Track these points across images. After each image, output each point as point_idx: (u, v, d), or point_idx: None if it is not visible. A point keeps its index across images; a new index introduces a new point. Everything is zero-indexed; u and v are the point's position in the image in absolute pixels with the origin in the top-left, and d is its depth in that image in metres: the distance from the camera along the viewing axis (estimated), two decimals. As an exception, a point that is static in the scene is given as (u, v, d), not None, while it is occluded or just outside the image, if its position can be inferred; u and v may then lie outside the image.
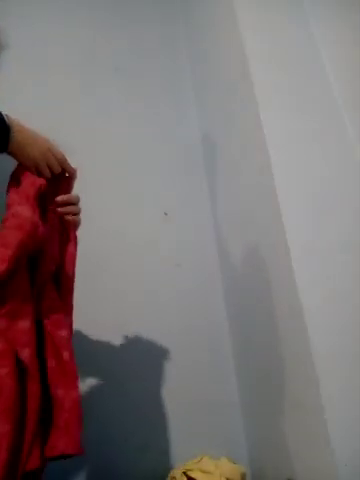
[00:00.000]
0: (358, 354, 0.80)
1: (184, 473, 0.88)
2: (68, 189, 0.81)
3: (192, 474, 0.88)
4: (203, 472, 0.88)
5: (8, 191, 0.74)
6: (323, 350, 0.80)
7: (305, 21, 1.10)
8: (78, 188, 1.19)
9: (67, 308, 0.78)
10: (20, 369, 0.64)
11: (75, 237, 0.81)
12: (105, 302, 1.10)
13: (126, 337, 1.09)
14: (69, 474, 0.96)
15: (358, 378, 0.79)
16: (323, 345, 0.80)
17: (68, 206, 0.79)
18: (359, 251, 0.88)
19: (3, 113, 0.74)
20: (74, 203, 0.80)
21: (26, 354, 0.64)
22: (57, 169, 0.79)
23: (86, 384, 1.02)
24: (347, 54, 1.09)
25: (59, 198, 0.78)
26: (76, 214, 0.81)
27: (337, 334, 0.81)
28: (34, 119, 1.27)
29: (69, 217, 0.79)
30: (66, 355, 0.69)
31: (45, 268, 0.74)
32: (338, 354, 0.80)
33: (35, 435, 0.62)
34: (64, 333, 0.71)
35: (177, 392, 1.07)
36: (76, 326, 0.81)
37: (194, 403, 1.07)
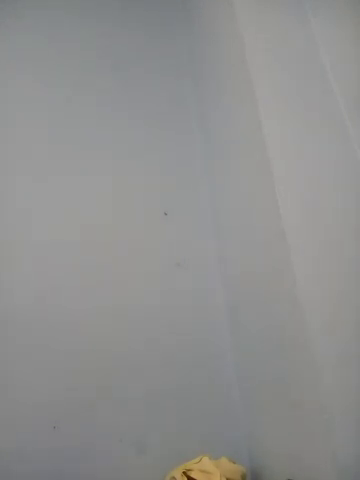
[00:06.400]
0: (359, 354, 0.80)
1: (184, 473, 0.88)
2: None
3: (192, 474, 0.87)
4: (203, 472, 0.88)
5: None
6: (323, 350, 0.80)
7: (305, 21, 1.10)
8: (78, 188, 1.20)
9: None
10: None
11: None
12: (104, 301, 1.10)
13: (125, 334, 1.09)
14: (60, 476, 0.95)
15: (358, 378, 0.79)
16: (323, 345, 0.80)
17: None
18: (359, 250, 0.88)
19: None
20: None
21: None
22: None
23: (80, 381, 1.02)
24: (347, 54, 1.09)
25: None
26: None
27: (338, 334, 0.81)
28: (34, 116, 1.28)
29: None
30: None
31: None
32: (338, 354, 0.80)
33: None
34: None
35: (176, 391, 1.07)
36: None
37: (194, 402, 1.07)
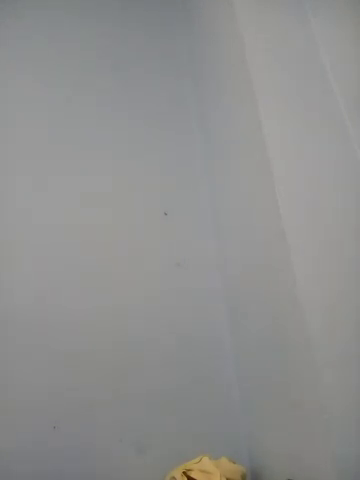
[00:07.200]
0: (359, 354, 0.80)
1: (184, 473, 0.88)
2: None
3: (192, 474, 0.87)
4: (203, 472, 0.88)
5: None
6: (323, 350, 0.80)
7: (305, 21, 1.10)
8: (78, 188, 1.20)
9: None
10: None
11: None
12: (104, 301, 1.10)
13: (125, 334, 1.09)
14: (60, 476, 0.95)
15: (358, 378, 0.79)
16: (323, 345, 0.80)
17: None
18: (359, 250, 0.88)
19: None
20: None
21: None
22: None
23: (80, 381, 1.02)
24: (347, 54, 1.09)
25: None
26: None
27: (338, 334, 0.81)
28: (34, 116, 1.28)
29: None
30: None
31: None
32: (338, 354, 0.80)
33: None
34: None
35: (176, 391, 1.07)
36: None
37: (194, 402, 1.07)
